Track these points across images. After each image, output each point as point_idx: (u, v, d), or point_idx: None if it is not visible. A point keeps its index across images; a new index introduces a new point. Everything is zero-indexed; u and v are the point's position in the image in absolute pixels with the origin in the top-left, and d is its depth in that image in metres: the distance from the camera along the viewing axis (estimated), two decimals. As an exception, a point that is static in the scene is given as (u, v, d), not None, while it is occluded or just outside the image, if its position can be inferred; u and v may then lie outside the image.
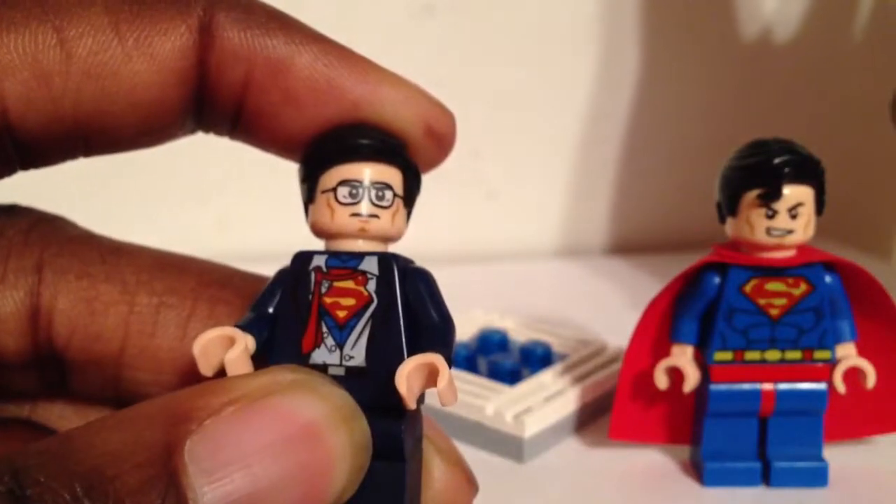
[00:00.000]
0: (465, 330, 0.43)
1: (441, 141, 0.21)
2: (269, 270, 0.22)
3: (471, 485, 0.21)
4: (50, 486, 0.14)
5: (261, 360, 0.19)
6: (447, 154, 0.21)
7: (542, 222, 0.66)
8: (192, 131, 0.21)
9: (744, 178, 0.30)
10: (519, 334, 0.42)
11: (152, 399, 0.16)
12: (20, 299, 0.21)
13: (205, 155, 0.46)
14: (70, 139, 0.19)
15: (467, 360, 0.39)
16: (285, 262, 0.20)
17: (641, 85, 0.64)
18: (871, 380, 0.31)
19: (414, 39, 0.59)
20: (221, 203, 0.60)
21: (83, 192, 0.49)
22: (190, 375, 0.19)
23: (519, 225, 0.65)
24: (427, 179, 0.21)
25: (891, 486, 0.32)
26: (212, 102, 0.20)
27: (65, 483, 0.14)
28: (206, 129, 0.21)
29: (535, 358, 0.39)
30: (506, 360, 0.38)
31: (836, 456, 0.32)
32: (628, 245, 0.67)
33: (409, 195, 0.20)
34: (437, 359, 0.18)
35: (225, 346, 0.18)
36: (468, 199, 0.63)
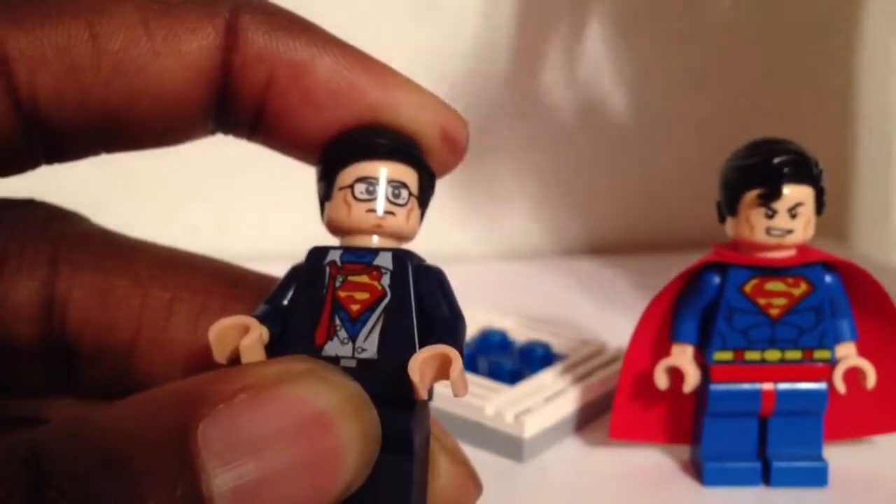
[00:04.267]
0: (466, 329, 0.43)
1: (455, 146, 0.21)
2: (268, 271, 0.22)
3: (475, 485, 0.21)
4: (66, 462, 0.14)
5: (274, 352, 0.19)
6: (460, 159, 0.22)
7: (541, 222, 0.66)
8: (213, 132, 0.22)
9: (744, 178, 0.30)
10: (519, 334, 0.42)
11: (167, 384, 0.16)
12: (35, 290, 0.21)
13: (204, 158, 0.46)
14: (96, 133, 0.20)
15: (467, 360, 0.39)
16: (285, 263, 0.20)
17: (636, 86, 0.64)
18: (871, 380, 0.31)
19: (414, 39, 0.59)
20: (219, 205, 0.60)
21: (86, 194, 0.49)
22: (201, 368, 0.19)
23: (518, 225, 0.65)
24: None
25: (891, 486, 0.32)
26: (234, 102, 0.20)
27: (80, 460, 0.14)
28: (226, 131, 0.22)
29: (535, 358, 0.39)
30: (506, 360, 0.38)
31: (836, 456, 0.32)
32: (628, 245, 0.67)
33: (424, 196, 0.21)
34: (449, 349, 0.18)
35: (240, 334, 0.19)
36: (471, 199, 0.63)
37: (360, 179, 0.20)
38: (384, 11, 0.58)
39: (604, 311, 0.50)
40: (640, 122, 0.65)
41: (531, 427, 0.33)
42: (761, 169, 0.29)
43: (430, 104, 0.21)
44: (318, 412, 0.16)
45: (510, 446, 0.33)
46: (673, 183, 0.66)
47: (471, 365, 0.39)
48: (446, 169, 0.22)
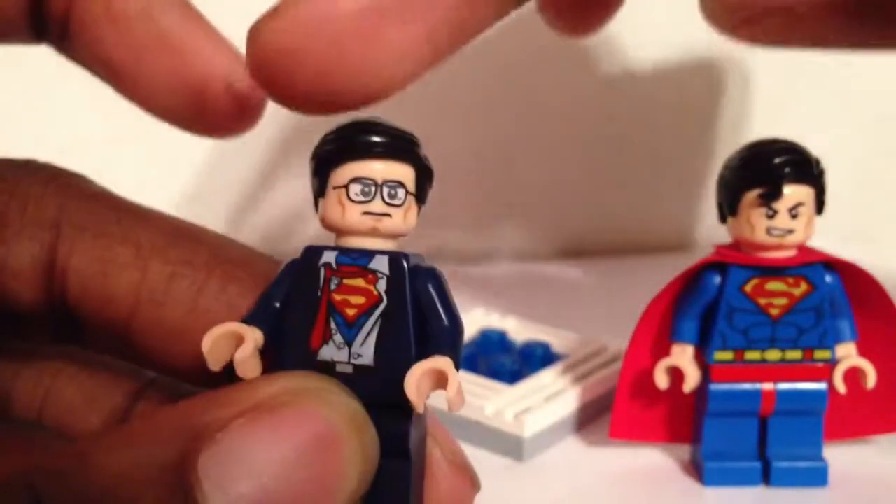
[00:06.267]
0: (465, 330, 0.43)
1: (243, 104, 0.20)
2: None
3: (473, 487, 0.21)
4: (65, 501, 0.14)
5: (268, 355, 0.19)
6: (250, 121, 0.20)
7: (541, 223, 0.66)
8: (33, 38, 0.20)
9: (744, 178, 0.30)
10: (519, 334, 0.42)
11: (164, 410, 0.16)
12: (37, 252, 0.20)
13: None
14: None
15: (467, 359, 0.39)
16: None
17: (640, 89, 0.64)
18: (871, 380, 0.31)
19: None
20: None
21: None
22: (197, 349, 0.19)
23: (519, 225, 0.65)
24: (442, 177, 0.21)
25: (891, 486, 0.32)
26: (45, 4, 0.19)
27: (79, 499, 0.14)
28: (45, 39, 0.20)
29: (535, 358, 0.39)
30: (506, 360, 0.38)
31: (836, 456, 0.32)
32: (630, 246, 0.67)
33: (421, 192, 0.20)
34: (445, 364, 0.18)
35: (234, 343, 0.18)
36: (471, 199, 0.63)
37: (355, 180, 0.19)
38: None
39: (604, 311, 0.50)
40: (640, 125, 0.65)
41: (531, 426, 0.33)
42: (762, 169, 0.29)
43: (223, 54, 0.19)
44: (319, 434, 0.16)
45: (510, 446, 0.33)
46: (673, 184, 0.66)
47: (471, 365, 0.39)
48: (229, 127, 0.20)
